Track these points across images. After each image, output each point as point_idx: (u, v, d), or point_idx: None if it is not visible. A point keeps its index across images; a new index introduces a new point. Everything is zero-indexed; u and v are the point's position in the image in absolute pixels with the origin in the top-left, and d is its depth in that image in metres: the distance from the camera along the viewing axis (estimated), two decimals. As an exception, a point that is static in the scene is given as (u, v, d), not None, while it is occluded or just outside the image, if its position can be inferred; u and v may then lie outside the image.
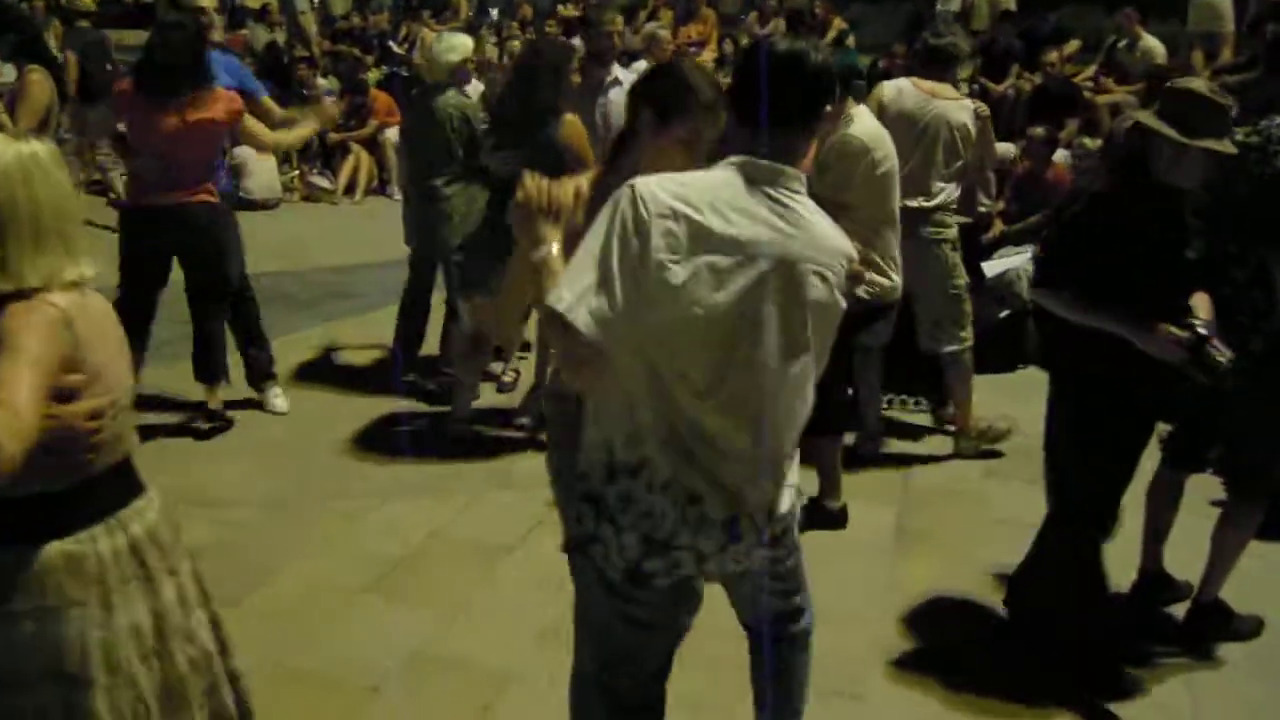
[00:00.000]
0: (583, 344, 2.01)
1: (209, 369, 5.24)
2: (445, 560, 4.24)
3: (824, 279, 2.17)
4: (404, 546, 4.30)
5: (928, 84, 5.00)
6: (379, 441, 5.26)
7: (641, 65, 6.23)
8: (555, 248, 2.16)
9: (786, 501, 2.39)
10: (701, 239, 2.04)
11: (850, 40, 11.44)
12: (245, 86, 5.56)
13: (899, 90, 5.02)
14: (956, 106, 4.98)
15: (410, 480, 4.86)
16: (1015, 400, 5.39)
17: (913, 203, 4.79)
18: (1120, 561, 4.06)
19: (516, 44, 11.94)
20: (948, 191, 5.00)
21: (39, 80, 5.45)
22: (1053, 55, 8.40)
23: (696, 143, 2.50)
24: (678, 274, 2.03)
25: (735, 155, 2.16)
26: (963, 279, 5.14)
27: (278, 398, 5.58)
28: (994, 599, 4.00)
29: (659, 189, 2.06)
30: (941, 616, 4.00)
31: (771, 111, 2.13)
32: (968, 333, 5.16)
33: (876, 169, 4.17)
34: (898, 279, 4.37)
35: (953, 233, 5.06)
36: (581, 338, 2.00)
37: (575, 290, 2.01)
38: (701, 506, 2.20)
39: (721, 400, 2.14)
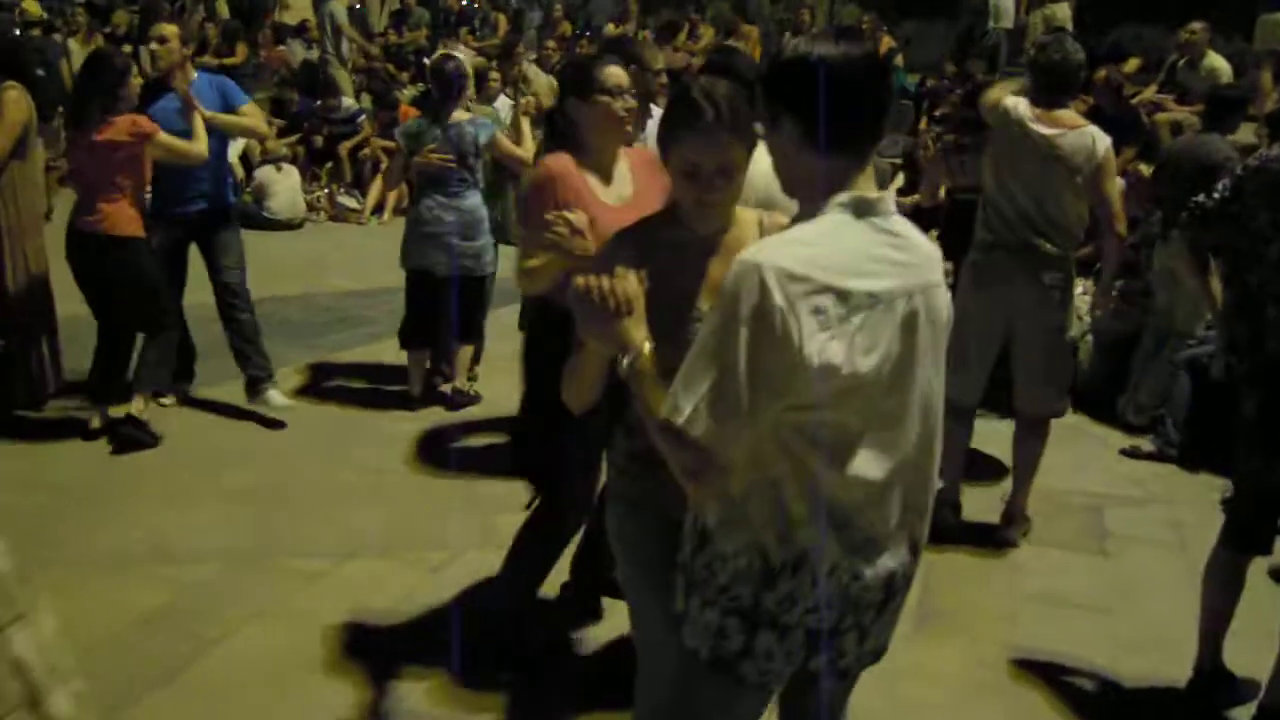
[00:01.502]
0: (707, 454, 1.80)
1: (99, 388, 5.32)
2: (409, 632, 3.81)
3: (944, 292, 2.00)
4: (366, 614, 3.87)
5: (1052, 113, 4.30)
6: (356, 491, 4.85)
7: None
8: (647, 348, 1.95)
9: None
10: (851, 305, 1.80)
11: (899, 59, 10.99)
12: (229, 100, 5.49)
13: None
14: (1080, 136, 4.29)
15: (381, 535, 4.43)
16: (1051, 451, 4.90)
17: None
18: (1171, 653, 3.58)
19: (553, 59, 11.62)
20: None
21: (15, 98, 5.15)
22: (1102, 73, 7.80)
23: (698, 176, 2.16)
24: (836, 351, 1.79)
25: (837, 193, 1.88)
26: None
27: (277, 397, 5.58)
28: (1024, 688, 3.55)
29: (791, 263, 1.78)
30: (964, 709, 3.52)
31: (851, 128, 1.86)
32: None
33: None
34: None
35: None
36: (705, 448, 1.80)
37: (691, 397, 1.79)
38: (863, 580, 1.98)
39: (869, 456, 1.92)
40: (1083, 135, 4.25)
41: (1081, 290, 5.97)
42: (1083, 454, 5.45)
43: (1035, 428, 4.53)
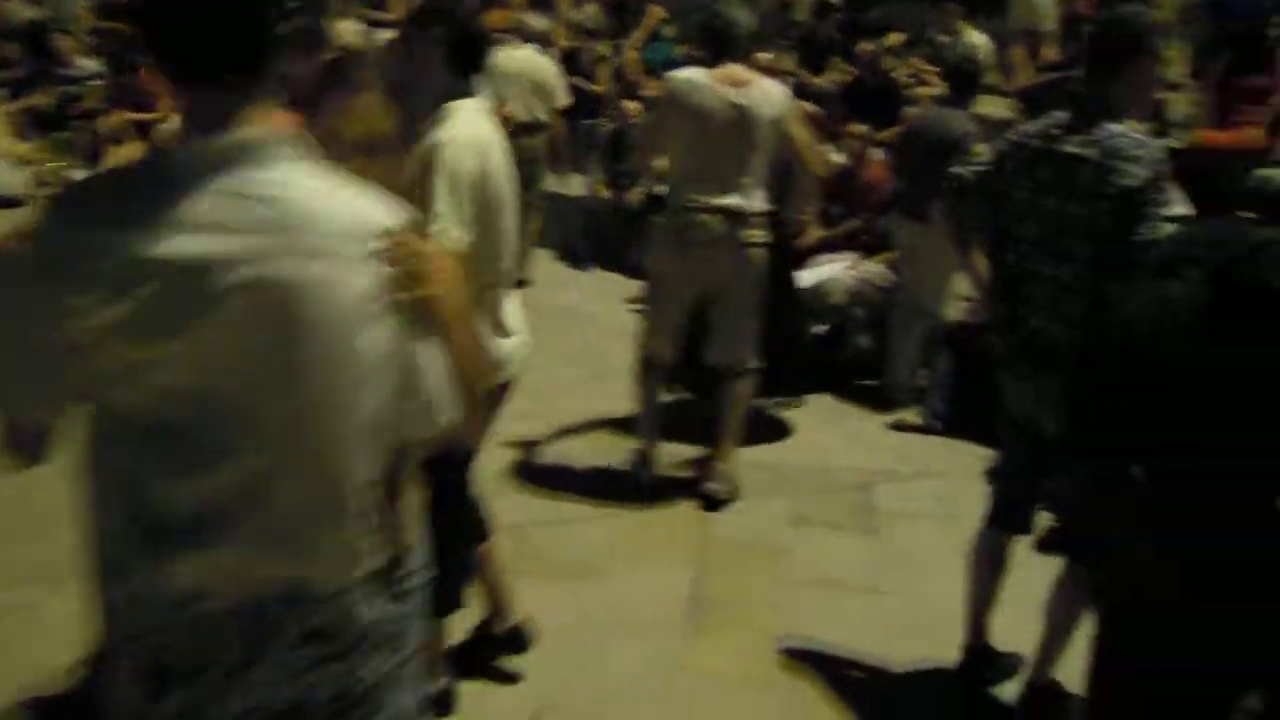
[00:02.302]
0: None
1: None
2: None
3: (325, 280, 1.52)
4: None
5: (721, 71, 4.31)
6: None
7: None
8: None
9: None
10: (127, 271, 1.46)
11: (668, 31, 10.81)
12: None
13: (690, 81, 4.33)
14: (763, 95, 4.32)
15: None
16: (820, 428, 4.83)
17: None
18: (944, 634, 3.50)
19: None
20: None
21: None
22: (867, 46, 7.91)
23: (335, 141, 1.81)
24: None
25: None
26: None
27: None
28: (797, 680, 3.41)
29: None
30: (738, 705, 3.35)
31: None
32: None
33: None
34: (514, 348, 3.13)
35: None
36: None
37: None
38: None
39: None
40: (763, 88, 4.33)
41: (848, 265, 5.95)
42: (850, 430, 5.39)
43: (730, 381, 4.56)
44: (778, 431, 5.27)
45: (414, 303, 1.58)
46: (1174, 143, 5.67)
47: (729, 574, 4.07)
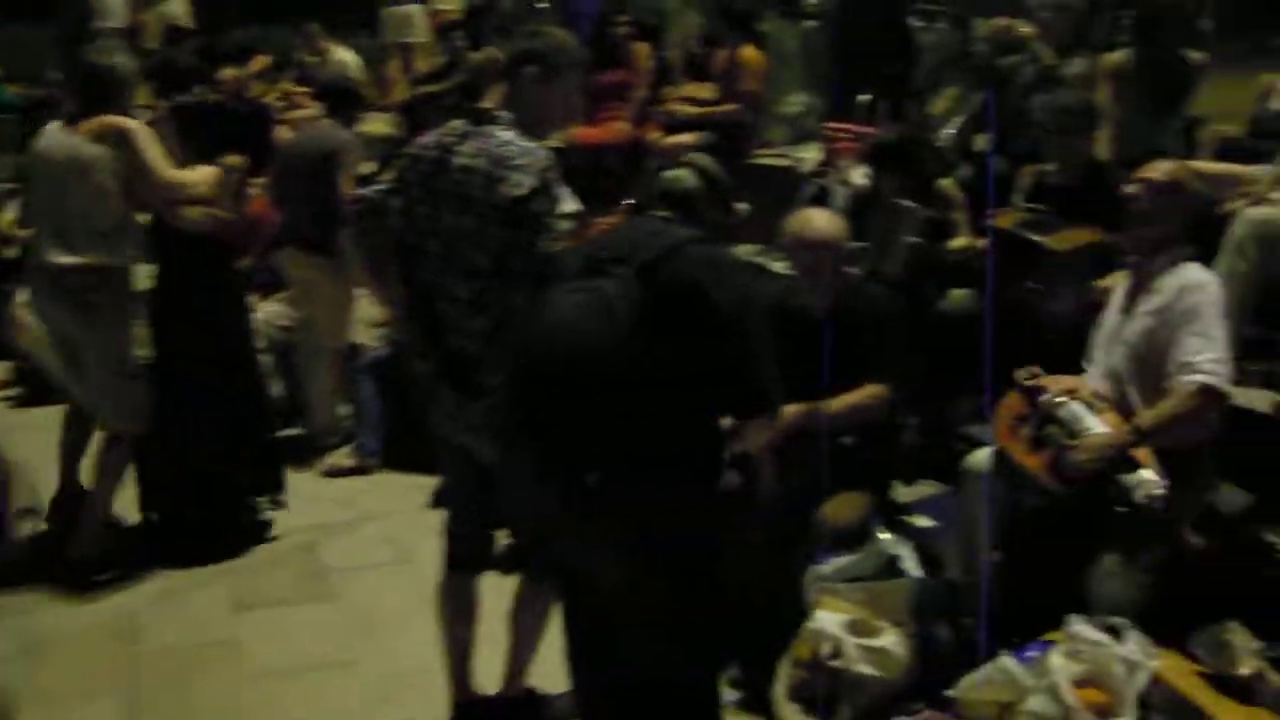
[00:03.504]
0: None
1: None
2: None
3: None
4: None
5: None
6: None
7: None
8: None
9: None
10: None
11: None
12: None
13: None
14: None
15: None
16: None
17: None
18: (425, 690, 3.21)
19: None
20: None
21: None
22: (232, 72, 7.37)
23: None
24: None
25: None
26: None
27: None
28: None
29: None
30: None
31: None
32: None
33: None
34: None
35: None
36: None
37: None
38: None
39: None
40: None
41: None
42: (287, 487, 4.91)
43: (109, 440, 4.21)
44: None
45: None
46: (555, 143, 5.79)
47: (169, 690, 3.48)
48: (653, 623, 2.42)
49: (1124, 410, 3.19)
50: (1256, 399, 3.66)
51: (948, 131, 5.58)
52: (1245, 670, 2.74)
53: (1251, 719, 2.68)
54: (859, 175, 5.09)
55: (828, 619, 3.03)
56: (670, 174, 2.62)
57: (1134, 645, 2.75)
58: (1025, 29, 5.38)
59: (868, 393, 3.43)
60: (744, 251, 5.60)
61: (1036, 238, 4.08)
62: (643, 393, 2.27)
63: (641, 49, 7.07)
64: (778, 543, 3.34)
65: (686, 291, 2.30)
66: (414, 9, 9.69)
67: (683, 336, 2.29)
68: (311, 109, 6.72)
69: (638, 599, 2.41)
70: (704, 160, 2.66)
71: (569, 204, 3.70)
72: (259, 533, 4.42)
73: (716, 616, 2.50)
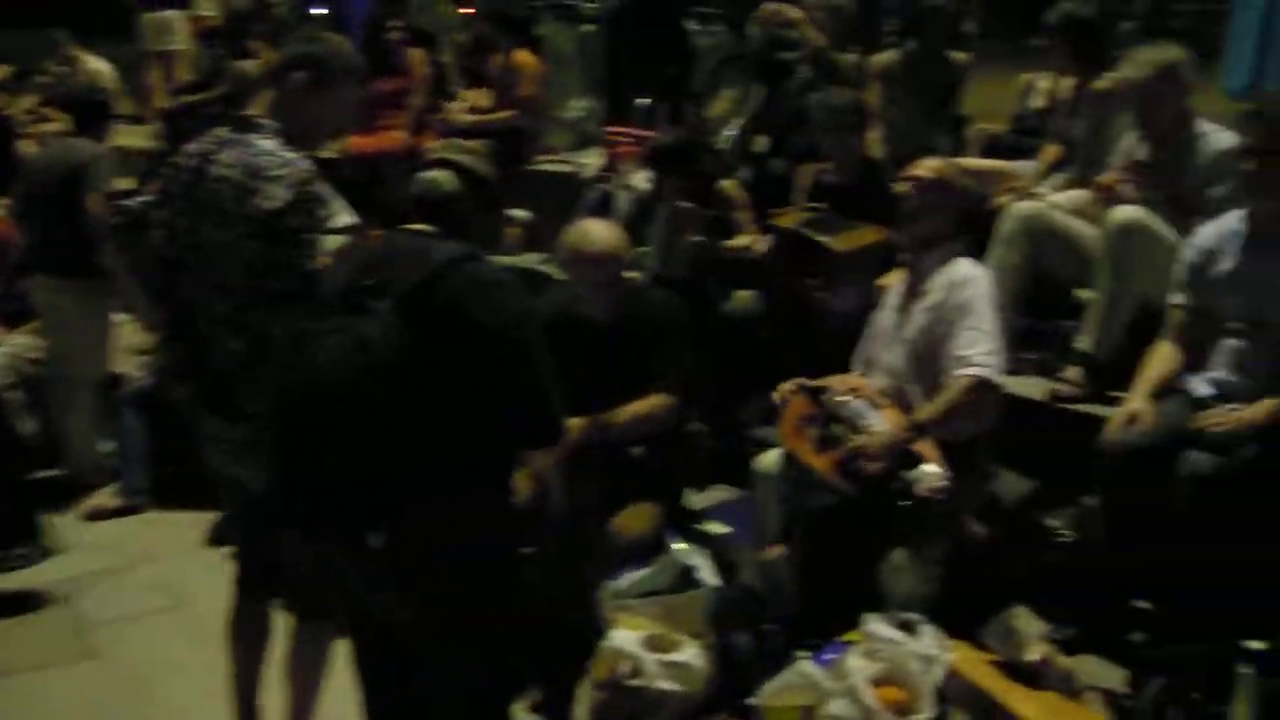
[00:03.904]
0: None
1: None
2: None
3: None
4: None
5: None
6: None
7: None
8: None
9: None
10: None
11: None
12: None
13: None
14: None
15: None
16: None
17: None
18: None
19: None
20: None
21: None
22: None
23: None
24: None
25: None
26: None
27: None
28: None
29: None
30: None
31: None
32: None
33: None
34: None
35: None
36: None
37: None
38: None
39: None
40: None
41: None
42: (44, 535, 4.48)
43: None
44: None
45: None
46: (327, 153, 5.54)
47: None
48: (443, 648, 2.30)
49: (905, 407, 3.23)
50: (1031, 387, 3.77)
51: (728, 133, 5.59)
52: (1034, 656, 2.80)
53: (1040, 703, 2.74)
54: (641, 179, 5.05)
55: (625, 637, 2.97)
56: (428, 176, 2.38)
57: (929, 640, 2.79)
58: (795, 13, 5.44)
59: (655, 402, 3.38)
60: (528, 260, 5.51)
61: (820, 238, 4.12)
62: (416, 430, 2.10)
63: (416, 55, 6.87)
64: (569, 560, 3.26)
65: (452, 322, 2.12)
66: (173, 15, 9.21)
67: (453, 369, 2.12)
68: (59, 122, 6.25)
69: (427, 627, 2.29)
70: (466, 159, 2.40)
71: (343, 217, 3.51)
72: (10, 590, 4.02)
73: (509, 638, 2.39)
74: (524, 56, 6.78)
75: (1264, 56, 4.23)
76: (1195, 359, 3.17)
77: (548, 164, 6.99)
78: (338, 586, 2.45)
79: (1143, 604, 3.05)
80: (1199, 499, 2.85)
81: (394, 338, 2.07)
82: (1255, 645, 2.59)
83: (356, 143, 6.41)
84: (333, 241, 2.81)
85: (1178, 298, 3.26)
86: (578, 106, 7.92)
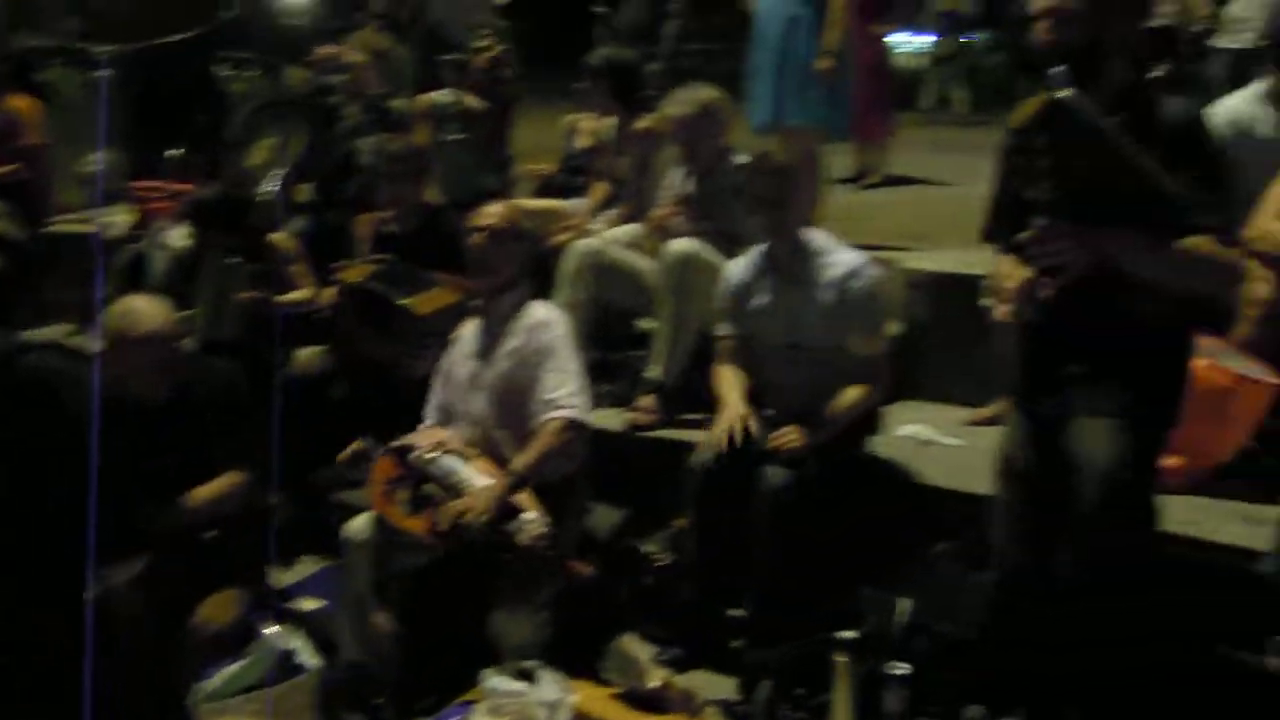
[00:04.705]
0: None
1: None
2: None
3: None
4: None
5: None
6: None
7: None
8: None
9: None
10: None
11: None
12: None
13: None
14: None
15: None
16: None
17: None
18: None
19: None
20: None
21: None
22: None
23: None
24: None
25: None
26: None
27: None
28: None
29: None
30: None
31: None
32: None
33: None
34: None
35: None
36: None
37: None
38: None
39: None
40: None
41: None
42: None
43: None
44: None
45: None
46: None
47: None
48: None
49: (493, 455, 3.17)
50: (609, 419, 3.84)
51: (268, 186, 5.28)
52: (654, 683, 2.84)
53: (668, 728, 2.79)
54: (179, 236, 4.64)
55: (226, 744, 2.68)
56: None
57: (550, 685, 2.77)
58: (355, 56, 5.28)
59: (225, 481, 3.12)
60: (56, 333, 4.92)
61: (400, 301, 3.94)
62: None
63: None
64: (151, 665, 2.91)
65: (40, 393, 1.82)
66: None
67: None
68: None
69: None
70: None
71: None
72: None
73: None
74: (22, 103, 6.03)
75: (781, 94, 4.58)
76: (750, 381, 3.35)
77: (65, 224, 6.27)
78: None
79: (739, 612, 3.19)
80: (778, 510, 3.03)
81: None
82: (846, 634, 2.76)
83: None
84: None
85: (723, 328, 3.44)
86: (95, 160, 7.18)
